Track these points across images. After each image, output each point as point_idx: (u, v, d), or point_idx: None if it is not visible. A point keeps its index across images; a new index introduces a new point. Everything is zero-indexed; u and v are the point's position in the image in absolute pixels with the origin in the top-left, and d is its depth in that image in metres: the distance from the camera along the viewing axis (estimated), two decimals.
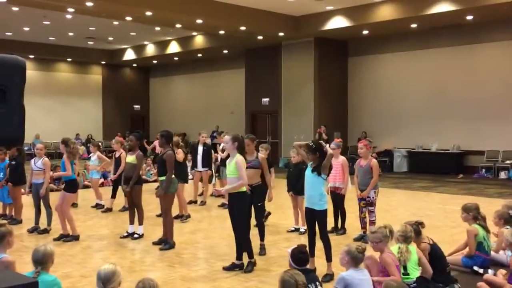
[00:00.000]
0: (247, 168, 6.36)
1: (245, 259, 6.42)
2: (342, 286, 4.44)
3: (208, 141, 12.18)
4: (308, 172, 5.96)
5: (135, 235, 8.14)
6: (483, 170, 17.27)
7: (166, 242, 7.54)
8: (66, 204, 8.13)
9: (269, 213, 9.21)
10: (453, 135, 17.88)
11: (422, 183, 15.54)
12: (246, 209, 6.36)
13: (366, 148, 7.87)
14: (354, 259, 4.47)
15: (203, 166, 11.36)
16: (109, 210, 10.68)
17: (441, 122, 18.23)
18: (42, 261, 4.23)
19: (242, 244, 6.33)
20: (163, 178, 7.60)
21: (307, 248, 4.85)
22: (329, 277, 5.77)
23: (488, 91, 17.15)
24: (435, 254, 5.45)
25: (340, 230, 8.44)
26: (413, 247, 5.20)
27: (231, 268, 6.32)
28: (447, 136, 17.96)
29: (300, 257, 4.37)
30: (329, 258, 5.91)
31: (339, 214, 8.50)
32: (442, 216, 9.89)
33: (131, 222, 8.24)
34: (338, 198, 8.39)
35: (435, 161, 17.99)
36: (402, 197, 13.15)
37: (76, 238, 8.09)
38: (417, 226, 5.42)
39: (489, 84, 17.16)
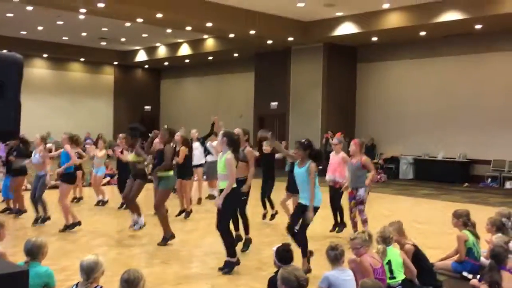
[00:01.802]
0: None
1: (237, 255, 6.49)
2: (326, 285, 4.54)
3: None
4: (297, 170, 6.05)
5: (135, 226, 8.40)
6: (489, 180, 17.20)
7: (163, 238, 7.70)
8: (62, 195, 8.39)
9: (276, 212, 9.38)
10: (460, 144, 17.85)
11: (427, 190, 15.55)
12: (232, 203, 6.38)
13: (355, 146, 7.92)
14: (330, 258, 4.57)
15: (198, 161, 11.69)
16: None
17: (448, 130, 18.22)
18: (31, 251, 4.39)
19: (226, 239, 6.34)
20: (162, 173, 7.74)
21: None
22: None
23: (496, 100, 17.11)
24: (419, 256, 5.54)
25: (340, 225, 8.47)
26: (396, 250, 5.28)
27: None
28: (453, 145, 17.94)
29: (285, 255, 4.49)
30: (304, 254, 6.05)
31: (337, 210, 8.52)
32: (441, 223, 9.91)
33: (133, 212, 8.47)
34: (336, 194, 8.38)
35: (441, 169, 17.98)
36: (404, 203, 13.19)
37: (77, 224, 8.43)
38: (401, 226, 5.51)
39: (497, 93, 17.12)
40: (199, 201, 11.89)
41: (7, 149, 10.13)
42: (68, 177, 8.48)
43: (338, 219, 8.56)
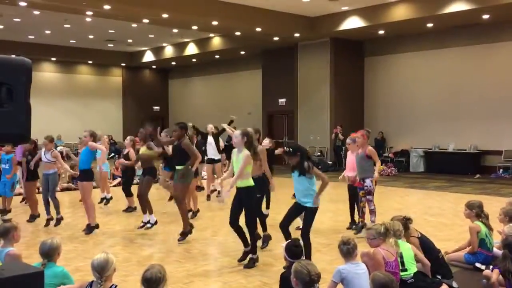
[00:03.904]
0: None
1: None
2: (338, 279, 4.54)
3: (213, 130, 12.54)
4: (294, 174, 6.02)
5: (148, 225, 8.47)
6: (501, 170, 17.10)
7: (183, 233, 7.78)
8: (86, 193, 8.42)
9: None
10: (470, 135, 17.75)
11: (438, 183, 15.48)
12: (255, 203, 6.56)
13: (363, 138, 8.04)
14: (342, 252, 4.57)
15: (215, 155, 11.75)
16: (134, 209, 10.49)
17: (458, 122, 18.12)
18: (49, 253, 4.45)
19: (251, 234, 6.49)
20: (180, 167, 7.85)
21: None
22: None
23: (506, 90, 16.99)
24: (424, 245, 5.53)
25: (358, 224, 8.51)
26: (408, 244, 5.28)
27: (244, 258, 6.51)
28: (464, 136, 17.85)
29: (293, 250, 4.50)
30: (308, 258, 5.84)
31: (355, 208, 8.59)
32: (453, 215, 9.89)
33: (144, 212, 8.60)
34: (354, 190, 8.48)
35: (452, 161, 17.88)
36: (415, 196, 13.15)
37: (95, 227, 8.47)
38: (405, 222, 5.51)
39: (506, 83, 17.00)
40: (208, 197, 11.99)
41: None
42: (87, 174, 8.47)
43: (356, 218, 8.60)
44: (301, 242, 5.04)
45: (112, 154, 17.21)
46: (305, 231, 5.97)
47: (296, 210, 6.12)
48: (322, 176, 5.99)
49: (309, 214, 5.99)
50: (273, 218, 9.54)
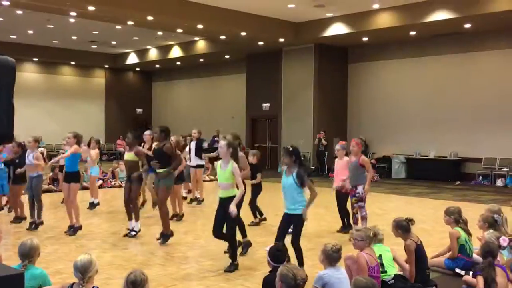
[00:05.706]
0: None
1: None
2: (320, 284, 4.56)
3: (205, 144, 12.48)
4: (285, 180, 5.98)
5: (132, 232, 8.38)
6: (480, 177, 17.35)
7: (164, 235, 7.76)
8: (73, 195, 8.48)
9: (265, 219, 9.48)
10: (451, 142, 17.98)
11: (419, 189, 15.64)
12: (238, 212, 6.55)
13: (357, 146, 8.20)
14: (329, 258, 4.56)
15: (195, 161, 11.62)
16: (145, 202, 11.00)
17: (439, 129, 18.35)
18: (28, 254, 4.40)
19: (232, 243, 6.49)
20: (161, 170, 7.81)
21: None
22: None
23: (486, 98, 17.26)
24: (418, 254, 5.58)
25: (347, 228, 8.61)
26: (386, 247, 5.34)
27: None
28: (445, 143, 18.08)
29: (277, 254, 4.51)
30: (301, 263, 5.90)
31: (344, 213, 8.74)
32: (433, 221, 9.99)
33: (130, 218, 8.49)
34: (342, 197, 8.65)
35: (432, 168, 18.10)
36: (396, 202, 13.27)
37: (79, 228, 8.52)
38: (407, 223, 5.57)
39: (487, 92, 17.27)
40: (199, 202, 11.94)
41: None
42: (74, 176, 8.56)
43: (345, 221, 8.76)
44: (288, 247, 5.05)
45: None
46: (295, 238, 5.96)
47: (287, 221, 6.07)
48: (313, 189, 5.97)
49: (298, 220, 5.97)
50: (270, 225, 9.58)
